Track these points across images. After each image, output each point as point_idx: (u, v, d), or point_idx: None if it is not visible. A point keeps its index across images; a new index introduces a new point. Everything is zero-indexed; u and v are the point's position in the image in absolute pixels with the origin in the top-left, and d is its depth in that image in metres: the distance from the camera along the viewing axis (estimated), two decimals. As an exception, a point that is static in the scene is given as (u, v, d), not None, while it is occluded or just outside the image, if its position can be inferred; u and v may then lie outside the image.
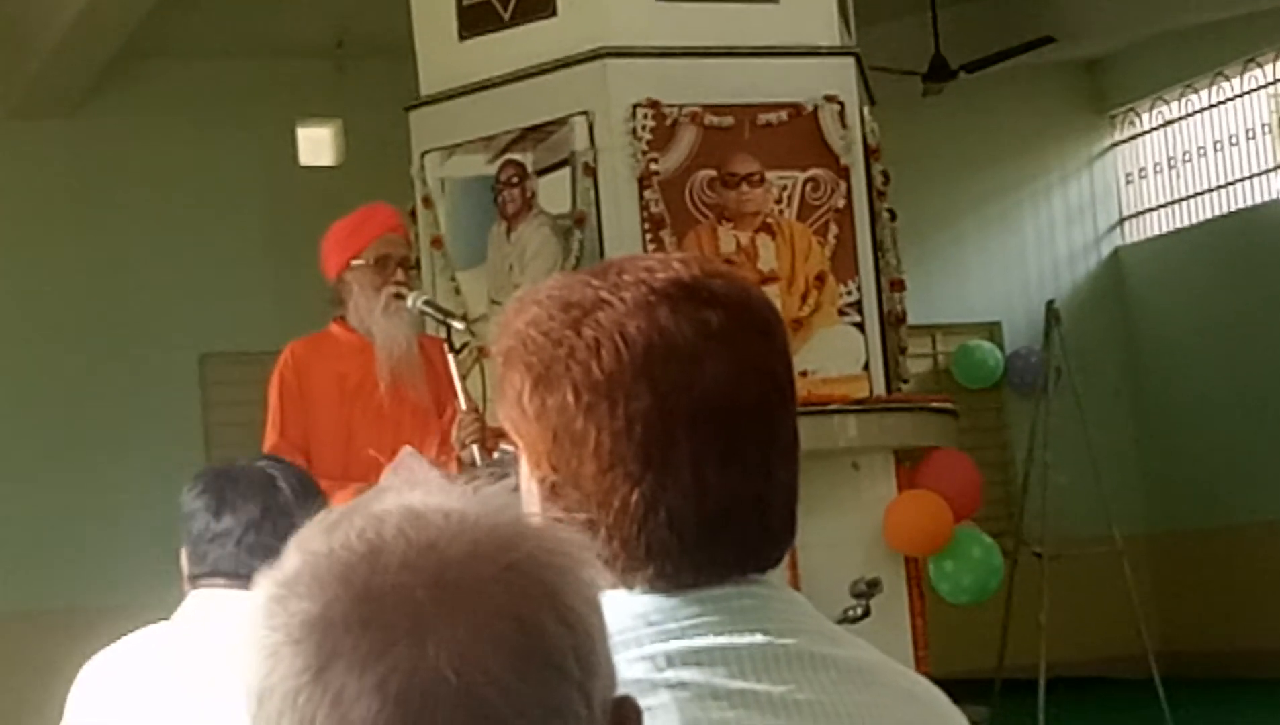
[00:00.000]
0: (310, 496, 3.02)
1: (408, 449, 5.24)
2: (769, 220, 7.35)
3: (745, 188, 7.34)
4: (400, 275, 5.43)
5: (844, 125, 7.42)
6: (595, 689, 1.02)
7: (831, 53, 7.59)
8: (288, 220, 10.49)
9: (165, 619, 2.97)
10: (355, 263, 5.44)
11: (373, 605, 0.99)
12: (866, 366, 7.36)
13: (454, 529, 1.03)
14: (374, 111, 10.33)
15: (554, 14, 7.40)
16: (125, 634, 2.96)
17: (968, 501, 7.33)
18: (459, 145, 7.51)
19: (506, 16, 7.49)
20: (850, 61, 7.63)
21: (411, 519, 1.03)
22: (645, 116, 7.24)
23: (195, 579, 2.96)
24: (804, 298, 7.32)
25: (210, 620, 2.90)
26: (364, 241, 5.44)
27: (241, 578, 2.90)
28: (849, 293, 7.38)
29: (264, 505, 2.96)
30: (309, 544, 1.06)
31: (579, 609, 1.02)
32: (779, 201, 7.36)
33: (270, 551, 3.08)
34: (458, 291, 7.42)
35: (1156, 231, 13.58)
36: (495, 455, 5.12)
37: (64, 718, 2.91)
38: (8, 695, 10.18)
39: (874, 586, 6.33)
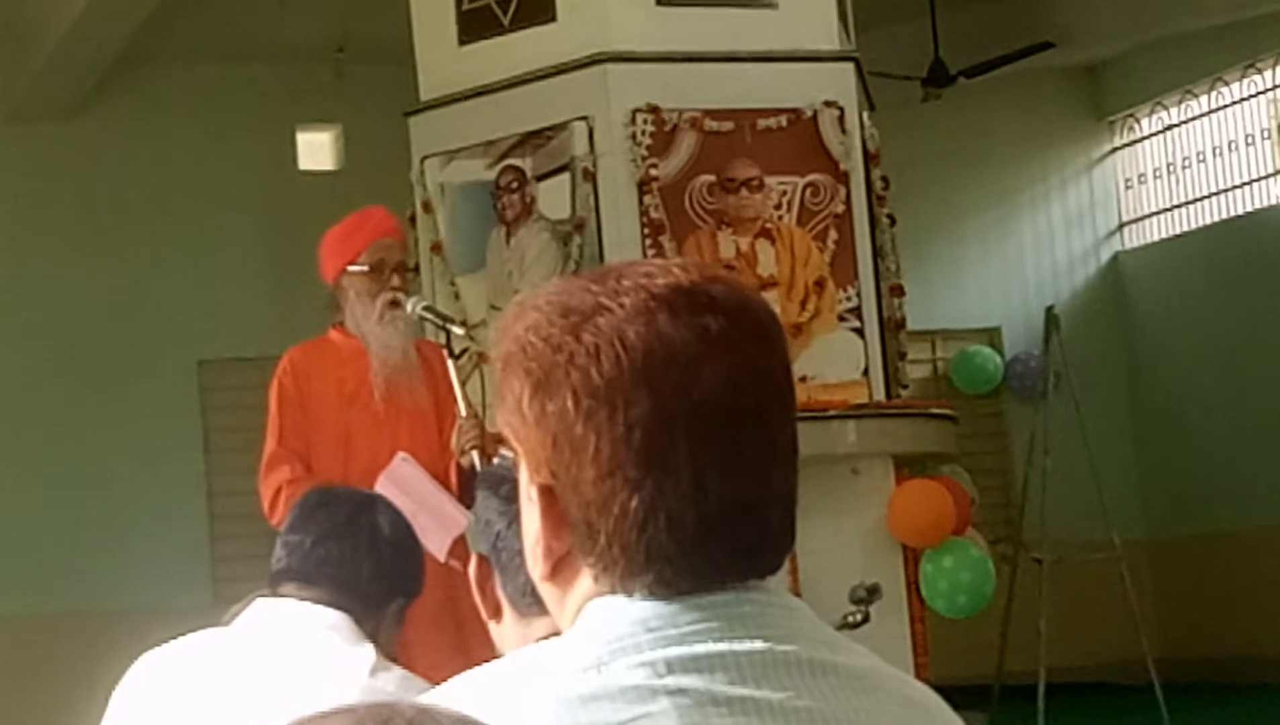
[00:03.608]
0: (403, 535, 3.05)
1: (401, 455, 5.24)
2: (768, 225, 7.35)
3: (745, 193, 7.35)
4: (396, 281, 5.41)
5: (843, 130, 7.43)
6: None
7: (831, 58, 7.60)
8: (287, 225, 10.48)
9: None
10: (351, 268, 5.42)
11: None
12: (866, 372, 7.36)
13: None
14: (374, 116, 10.33)
15: (554, 19, 7.41)
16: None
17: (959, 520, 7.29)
18: (459, 150, 7.51)
19: (506, 22, 7.49)
20: (850, 66, 7.64)
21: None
22: (645, 122, 7.24)
23: (271, 580, 2.99)
24: (803, 303, 7.32)
25: (271, 632, 2.91)
26: (360, 246, 5.42)
27: (310, 586, 2.93)
28: (848, 298, 7.39)
29: (348, 520, 2.99)
30: None
31: None
32: (778, 207, 7.37)
33: (339, 565, 3.11)
34: (457, 297, 7.42)
35: (1156, 237, 13.57)
36: (495, 461, 5.12)
37: (108, 713, 2.90)
38: (4, 697, 10.19)
39: (874, 592, 6.32)
